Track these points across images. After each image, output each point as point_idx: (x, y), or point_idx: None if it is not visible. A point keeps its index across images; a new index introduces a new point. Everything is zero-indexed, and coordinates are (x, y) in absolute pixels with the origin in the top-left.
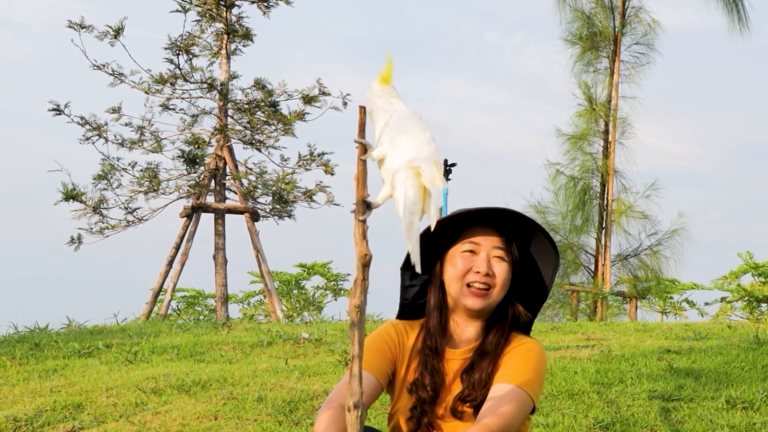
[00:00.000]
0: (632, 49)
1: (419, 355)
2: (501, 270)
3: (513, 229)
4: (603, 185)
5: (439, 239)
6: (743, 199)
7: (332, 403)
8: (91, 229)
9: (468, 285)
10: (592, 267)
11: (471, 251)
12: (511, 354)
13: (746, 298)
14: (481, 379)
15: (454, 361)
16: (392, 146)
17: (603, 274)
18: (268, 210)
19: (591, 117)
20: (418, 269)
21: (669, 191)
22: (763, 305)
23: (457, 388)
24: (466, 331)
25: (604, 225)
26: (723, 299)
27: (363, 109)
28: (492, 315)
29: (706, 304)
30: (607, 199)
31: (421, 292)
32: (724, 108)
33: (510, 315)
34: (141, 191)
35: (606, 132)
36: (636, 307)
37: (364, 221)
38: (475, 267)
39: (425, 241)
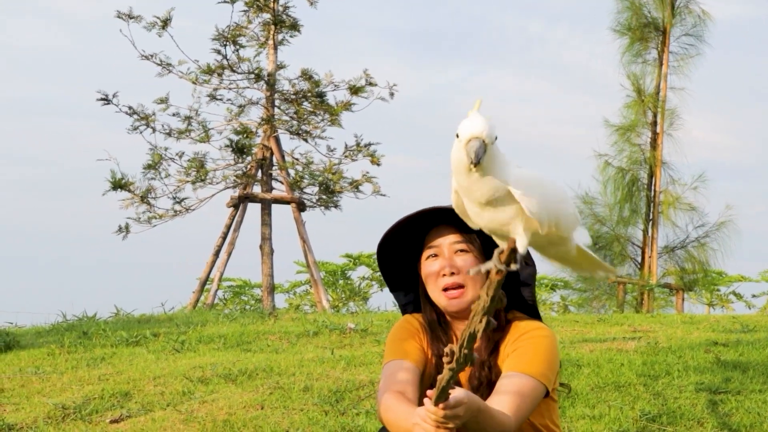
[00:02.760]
0: (681, 40)
1: (433, 360)
2: (466, 263)
3: None
4: (650, 177)
5: (410, 253)
6: None
7: (388, 390)
8: (139, 218)
9: (445, 290)
10: (639, 259)
11: (434, 255)
12: (518, 343)
13: None
14: (483, 385)
15: None
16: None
17: (650, 266)
18: (314, 200)
19: (639, 108)
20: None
21: (717, 183)
22: None
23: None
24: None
25: (651, 216)
26: None
27: None
28: None
29: (754, 296)
30: (654, 190)
31: (419, 305)
32: None
33: None
34: (188, 181)
35: (654, 123)
36: (683, 300)
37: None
38: (441, 270)
39: (401, 257)
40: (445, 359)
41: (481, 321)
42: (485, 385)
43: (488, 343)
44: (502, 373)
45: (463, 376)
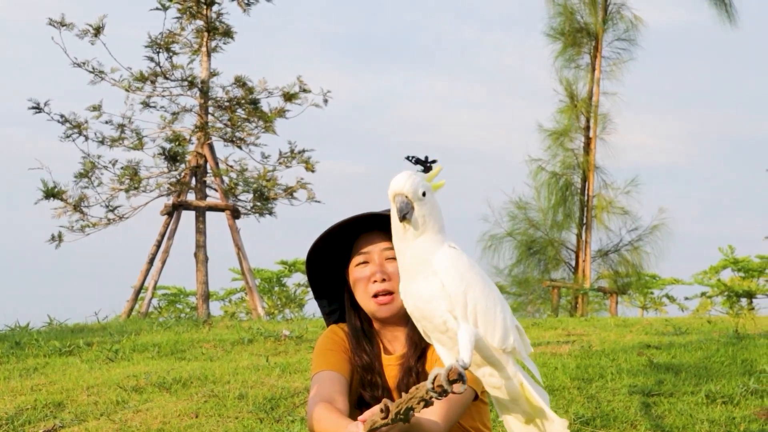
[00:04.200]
0: (614, 45)
1: (357, 370)
2: (396, 270)
3: None
4: (584, 181)
5: (338, 261)
6: (723, 195)
7: (319, 401)
8: (72, 227)
9: (375, 296)
10: (573, 263)
11: (364, 262)
12: None
13: (726, 293)
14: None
15: (392, 366)
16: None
17: (583, 269)
18: (249, 207)
19: (572, 113)
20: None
21: (649, 187)
22: (743, 300)
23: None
24: (395, 336)
25: (584, 221)
26: (703, 294)
27: None
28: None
29: (687, 299)
30: (587, 194)
31: (344, 314)
32: (705, 103)
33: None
34: (122, 189)
35: (587, 128)
36: (616, 303)
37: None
38: (372, 276)
39: (329, 265)
40: (380, 414)
41: (419, 403)
42: None
43: (415, 350)
44: None
45: (392, 383)
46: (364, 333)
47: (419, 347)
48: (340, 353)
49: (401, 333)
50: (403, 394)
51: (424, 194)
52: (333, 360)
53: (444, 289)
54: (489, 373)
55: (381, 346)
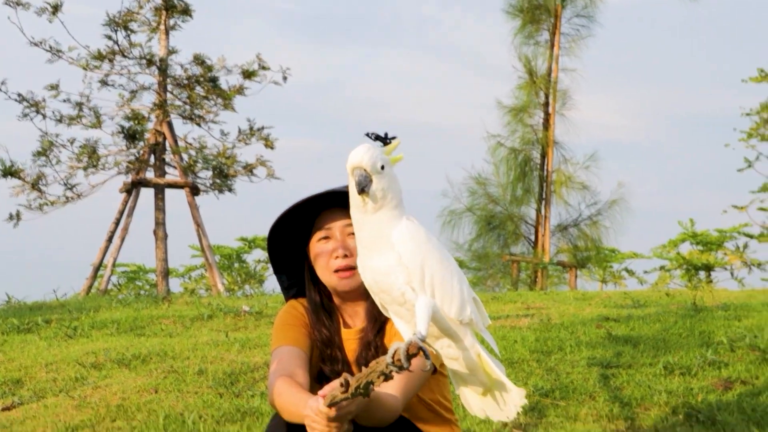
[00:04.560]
0: (573, 21)
1: (317, 344)
2: None
3: None
4: (543, 157)
5: (299, 236)
6: (681, 170)
7: (279, 376)
8: (30, 205)
9: (336, 271)
10: (533, 237)
11: (325, 237)
12: None
13: (684, 266)
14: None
15: (351, 340)
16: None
17: (543, 244)
18: (208, 184)
19: (531, 89)
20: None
21: (609, 162)
22: (701, 273)
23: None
24: (355, 311)
25: (544, 196)
26: (662, 268)
27: None
28: None
29: (646, 272)
30: (547, 170)
31: (302, 289)
32: (663, 80)
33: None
34: (80, 167)
35: (546, 104)
36: (576, 277)
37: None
38: (333, 252)
39: (289, 240)
40: (340, 388)
41: (379, 377)
42: None
43: (374, 324)
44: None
45: (351, 357)
46: (323, 307)
47: (378, 321)
48: (300, 328)
49: (361, 307)
50: (363, 368)
51: (382, 167)
52: (292, 335)
53: (401, 261)
54: (447, 344)
55: (341, 320)
